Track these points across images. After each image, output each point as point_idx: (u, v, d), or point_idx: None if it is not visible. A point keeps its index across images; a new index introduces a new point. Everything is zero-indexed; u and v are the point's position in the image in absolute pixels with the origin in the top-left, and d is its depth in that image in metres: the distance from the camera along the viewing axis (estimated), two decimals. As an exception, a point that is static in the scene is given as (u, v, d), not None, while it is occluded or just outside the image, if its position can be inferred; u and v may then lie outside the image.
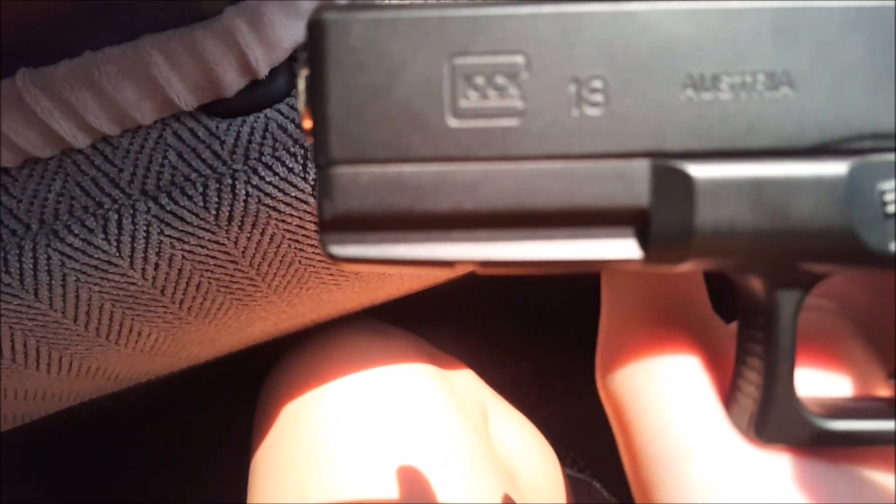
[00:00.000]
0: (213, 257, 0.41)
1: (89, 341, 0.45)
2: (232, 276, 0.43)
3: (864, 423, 0.22)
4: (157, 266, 0.41)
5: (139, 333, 0.46)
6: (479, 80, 0.20)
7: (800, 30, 0.19)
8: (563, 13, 0.19)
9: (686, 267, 0.21)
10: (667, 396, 0.22)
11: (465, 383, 0.59)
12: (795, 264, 0.21)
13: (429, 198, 0.20)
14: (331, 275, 0.47)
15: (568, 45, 0.19)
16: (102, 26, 0.37)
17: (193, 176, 0.39)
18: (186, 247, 0.40)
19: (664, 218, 0.20)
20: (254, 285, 0.45)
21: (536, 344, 0.75)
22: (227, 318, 0.47)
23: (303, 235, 0.42)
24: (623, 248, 0.20)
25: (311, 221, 0.41)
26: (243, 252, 0.42)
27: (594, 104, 0.19)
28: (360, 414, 0.50)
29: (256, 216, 0.40)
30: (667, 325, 0.24)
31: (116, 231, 0.39)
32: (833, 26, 0.20)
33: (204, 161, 0.39)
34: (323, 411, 0.52)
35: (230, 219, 0.39)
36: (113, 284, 0.41)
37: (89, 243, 0.39)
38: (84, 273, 0.40)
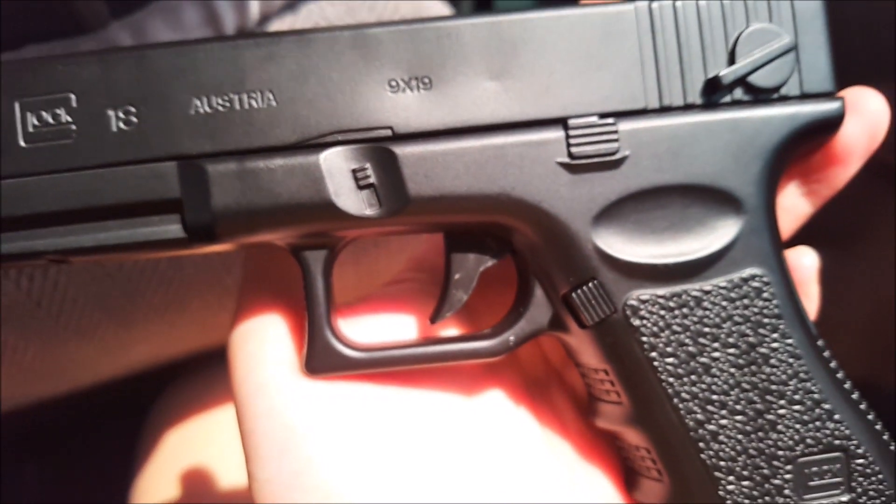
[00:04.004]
0: (87, 270, 0.41)
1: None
2: (108, 292, 0.43)
3: (380, 354, 0.28)
4: (31, 277, 0.41)
5: (14, 348, 0.45)
6: (43, 113, 0.26)
7: (279, 58, 0.27)
8: (100, 60, 0.27)
9: (228, 244, 0.28)
10: (254, 354, 0.28)
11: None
12: (297, 232, 0.27)
13: (10, 205, 0.26)
14: (216, 296, 0.47)
15: (105, 83, 0.27)
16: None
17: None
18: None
19: (193, 205, 0.27)
20: (132, 303, 0.44)
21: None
22: (105, 336, 0.46)
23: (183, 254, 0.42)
24: (169, 231, 0.27)
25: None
26: (120, 266, 0.42)
27: (129, 123, 0.27)
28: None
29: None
30: (263, 293, 0.29)
31: (-12, 239, 0.39)
32: (312, 53, 0.27)
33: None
34: (209, 444, 0.51)
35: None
36: (-15, 295, 0.40)
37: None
38: (-46, 282, 0.39)
